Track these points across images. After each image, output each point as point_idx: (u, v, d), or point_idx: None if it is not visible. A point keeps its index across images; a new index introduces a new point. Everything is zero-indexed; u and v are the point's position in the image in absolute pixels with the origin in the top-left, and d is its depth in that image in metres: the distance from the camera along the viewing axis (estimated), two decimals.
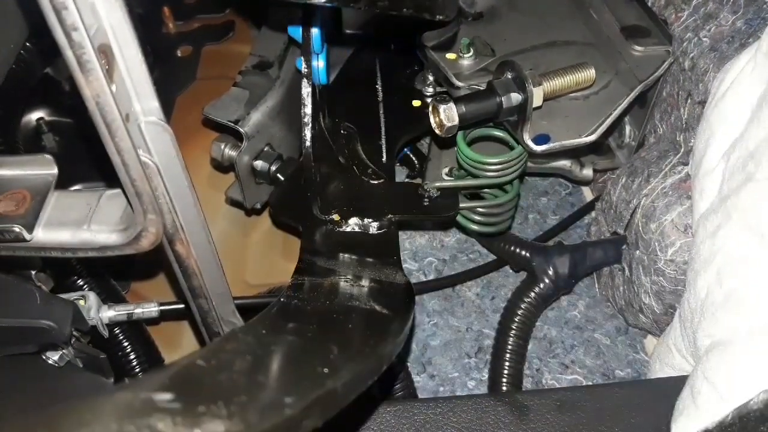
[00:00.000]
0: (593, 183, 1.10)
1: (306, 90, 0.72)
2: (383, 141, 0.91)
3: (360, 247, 0.75)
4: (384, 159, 0.88)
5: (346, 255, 0.74)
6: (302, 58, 0.73)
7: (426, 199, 0.83)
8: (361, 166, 0.86)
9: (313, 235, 0.77)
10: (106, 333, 0.78)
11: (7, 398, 0.75)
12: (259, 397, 0.37)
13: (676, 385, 0.65)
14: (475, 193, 0.89)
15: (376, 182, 0.84)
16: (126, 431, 0.30)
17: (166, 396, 0.33)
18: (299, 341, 0.50)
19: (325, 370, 0.43)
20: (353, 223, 0.78)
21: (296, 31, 0.75)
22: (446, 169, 0.88)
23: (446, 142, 0.89)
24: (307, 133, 0.73)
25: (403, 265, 0.99)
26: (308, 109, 0.73)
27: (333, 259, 0.73)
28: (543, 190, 1.15)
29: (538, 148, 0.78)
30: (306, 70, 0.73)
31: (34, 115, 1.05)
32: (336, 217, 0.78)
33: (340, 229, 0.78)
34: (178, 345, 0.92)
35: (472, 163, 0.83)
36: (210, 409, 0.33)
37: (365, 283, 0.68)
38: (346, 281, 0.68)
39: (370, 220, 0.78)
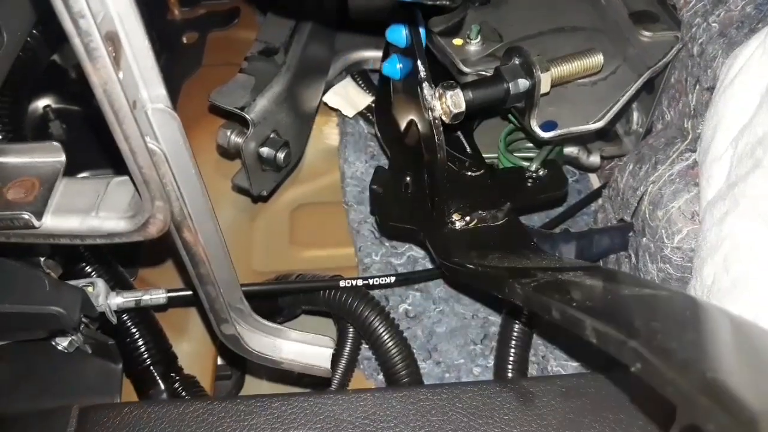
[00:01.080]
0: (600, 170, 1.10)
1: (430, 92, 0.69)
2: (459, 133, 0.88)
3: (501, 241, 0.72)
4: (468, 150, 0.86)
5: (494, 252, 0.70)
6: (418, 61, 0.70)
7: (530, 180, 0.81)
8: (457, 162, 0.83)
9: (441, 239, 0.74)
10: (114, 319, 0.79)
11: (18, 384, 0.76)
12: None
13: None
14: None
15: (477, 174, 0.81)
16: None
17: None
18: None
19: None
20: (477, 218, 0.75)
21: (396, 34, 0.72)
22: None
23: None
24: (440, 138, 0.70)
25: (410, 252, 0.99)
26: (437, 113, 0.69)
27: (487, 259, 0.69)
28: None
29: (546, 135, 0.78)
30: (425, 73, 0.69)
31: (41, 103, 1.05)
32: (457, 216, 0.76)
33: (467, 227, 0.75)
34: (186, 331, 0.93)
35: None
36: None
37: (575, 271, 0.63)
38: (559, 275, 0.63)
39: (491, 211, 0.76)
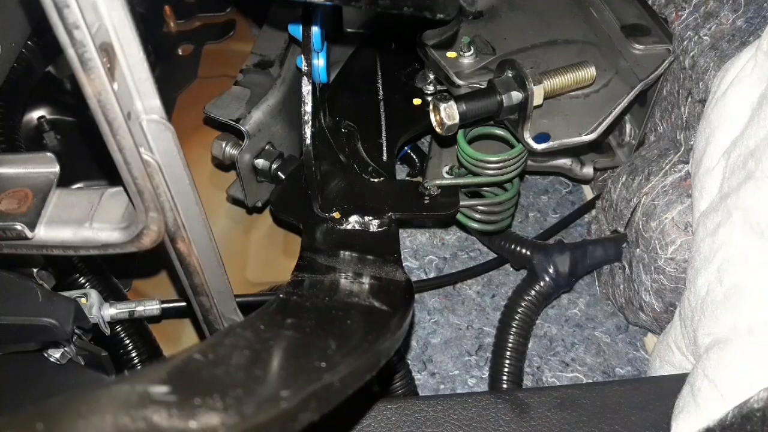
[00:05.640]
0: (593, 181, 1.10)
1: (306, 88, 0.73)
2: (384, 139, 0.91)
3: (360, 245, 0.76)
4: (384, 157, 0.88)
5: (347, 252, 0.74)
6: (302, 56, 0.74)
7: (426, 197, 0.83)
8: (362, 165, 0.86)
9: (314, 232, 0.77)
10: (107, 331, 0.78)
11: (9, 396, 0.75)
12: (255, 390, 0.37)
13: (676, 383, 0.65)
14: (475, 191, 0.89)
15: (376, 180, 0.84)
16: (121, 423, 0.30)
17: (163, 389, 0.33)
18: (297, 336, 0.50)
19: (323, 364, 0.43)
20: (354, 221, 0.78)
21: (297, 30, 0.75)
22: (447, 168, 0.89)
23: (447, 140, 0.89)
24: (308, 131, 0.74)
25: (404, 263, 0.99)
26: (308, 107, 0.73)
27: (333, 257, 0.73)
28: (543, 188, 1.15)
29: (539, 147, 0.78)
30: (306, 68, 0.73)
31: (36, 114, 1.05)
32: (336, 214, 0.78)
33: (341, 227, 0.78)
34: (180, 343, 0.92)
35: (472, 161, 0.83)
36: (206, 402, 0.33)
37: (365, 280, 0.68)
38: (346, 278, 0.68)
39: (371, 217, 0.78)
